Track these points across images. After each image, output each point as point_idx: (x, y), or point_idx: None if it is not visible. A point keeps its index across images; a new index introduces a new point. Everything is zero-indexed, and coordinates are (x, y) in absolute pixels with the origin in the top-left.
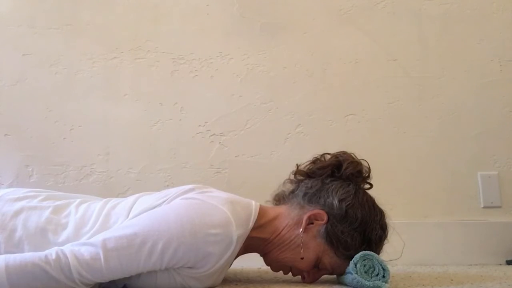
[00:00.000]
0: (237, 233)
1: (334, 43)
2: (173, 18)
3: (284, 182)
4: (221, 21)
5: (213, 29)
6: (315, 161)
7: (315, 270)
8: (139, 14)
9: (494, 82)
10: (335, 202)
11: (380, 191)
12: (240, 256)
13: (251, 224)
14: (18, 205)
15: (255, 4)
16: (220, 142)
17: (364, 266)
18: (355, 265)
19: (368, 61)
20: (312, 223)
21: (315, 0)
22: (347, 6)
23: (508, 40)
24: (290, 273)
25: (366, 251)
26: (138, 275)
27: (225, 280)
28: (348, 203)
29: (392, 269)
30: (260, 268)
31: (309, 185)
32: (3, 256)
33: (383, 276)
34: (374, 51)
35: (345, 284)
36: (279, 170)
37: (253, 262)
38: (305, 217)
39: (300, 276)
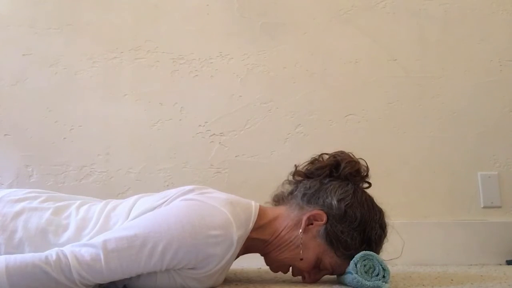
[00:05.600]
0: (238, 234)
1: (334, 43)
2: (173, 18)
3: (283, 183)
4: (221, 21)
5: (213, 29)
6: (313, 161)
7: (315, 271)
8: (139, 14)
9: (494, 82)
10: (334, 202)
11: (380, 191)
12: (240, 256)
13: (251, 225)
14: (19, 206)
15: (255, 4)
16: (220, 142)
17: (364, 266)
18: (355, 265)
19: (368, 61)
20: (312, 224)
21: (315, 0)
22: (347, 6)
23: (508, 40)
24: (290, 273)
25: (367, 251)
26: (138, 276)
27: (225, 280)
28: (347, 202)
29: (392, 269)
30: (260, 268)
31: (308, 186)
32: (3, 257)
33: (383, 276)
34: (374, 51)
35: (345, 284)
36: (279, 170)
37: (253, 262)
38: (304, 218)
39: (300, 276)
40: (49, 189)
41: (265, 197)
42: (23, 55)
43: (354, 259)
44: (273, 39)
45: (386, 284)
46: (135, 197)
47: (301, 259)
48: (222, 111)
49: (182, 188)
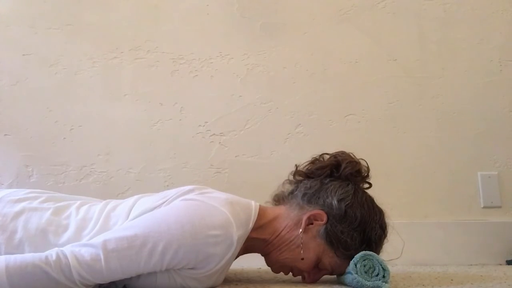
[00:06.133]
0: (238, 234)
1: (334, 43)
2: (173, 18)
3: (283, 183)
4: (221, 21)
5: (213, 29)
6: (313, 161)
7: (315, 270)
8: (139, 14)
9: (494, 82)
10: (334, 202)
11: (380, 191)
12: (240, 256)
13: (251, 225)
14: (19, 206)
15: (255, 4)
16: (220, 142)
17: (364, 266)
18: (355, 265)
19: (368, 61)
20: (312, 224)
21: (315, 0)
22: (347, 6)
23: (508, 40)
24: (291, 274)
25: (366, 251)
26: (138, 276)
27: (225, 280)
28: (347, 202)
29: (392, 269)
30: (260, 268)
31: (308, 186)
32: (3, 257)
33: (383, 276)
34: (374, 51)
35: (345, 284)
36: (279, 170)
37: (253, 262)
38: (304, 218)
39: (300, 277)
40: (49, 189)
41: (265, 197)
42: (23, 55)
43: (354, 259)
44: (273, 39)
45: (386, 284)
46: (135, 197)
47: (302, 259)
48: (222, 111)
49: (182, 188)
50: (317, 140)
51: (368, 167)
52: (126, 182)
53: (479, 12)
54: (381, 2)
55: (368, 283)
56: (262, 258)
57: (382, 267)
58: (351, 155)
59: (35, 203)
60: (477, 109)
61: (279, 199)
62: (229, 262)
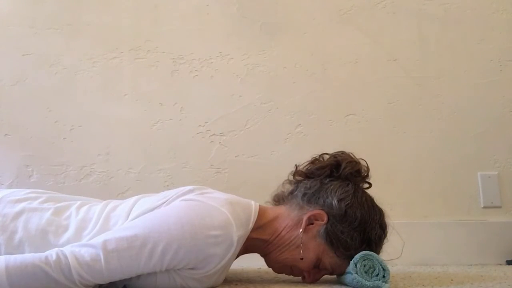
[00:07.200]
0: (238, 234)
1: (334, 43)
2: (173, 18)
3: (283, 183)
4: (221, 21)
5: (213, 29)
6: (313, 161)
7: (315, 270)
8: (139, 14)
9: (494, 82)
10: (334, 202)
11: (380, 191)
12: (240, 256)
13: (251, 225)
14: (19, 206)
15: (255, 4)
16: (220, 142)
17: (364, 266)
18: (355, 265)
19: (368, 61)
20: (312, 224)
21: (315, 0)
22: (347, 6)
23: (508, 40)
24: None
25: (366, 251)
26: (138, 276)
27: (225, 280)
28: (347, 202)
29: (392, 269)
30: (260, 268)
31: (308, 186)
32: (3, 257)
33: (383, 276)
34: (374, 51)
35: (345, 284)
36: (279, 170)
37: (253, 262)
38: (304, 218)
39: (300, 277)
40: (49, 189)
41: (265, 197)
42: (23, 55)
43: (354, 259)
44: (273, 39)
45: (386, 284)
46: (135, 197)
47: (301, 259)
48: (222, 111)
49: (181, 188)
50: (317, 140)
51: (368, 167)
52: (126, 182)
53: (479, 12)
54: (381, 2)
55: (368, 283)
56: (262, 258)
57: (382, 267)
58: (351, 155)
59: (35, 204)
60: (477, 109)
61: (279, 199)
62: (229, 262)
